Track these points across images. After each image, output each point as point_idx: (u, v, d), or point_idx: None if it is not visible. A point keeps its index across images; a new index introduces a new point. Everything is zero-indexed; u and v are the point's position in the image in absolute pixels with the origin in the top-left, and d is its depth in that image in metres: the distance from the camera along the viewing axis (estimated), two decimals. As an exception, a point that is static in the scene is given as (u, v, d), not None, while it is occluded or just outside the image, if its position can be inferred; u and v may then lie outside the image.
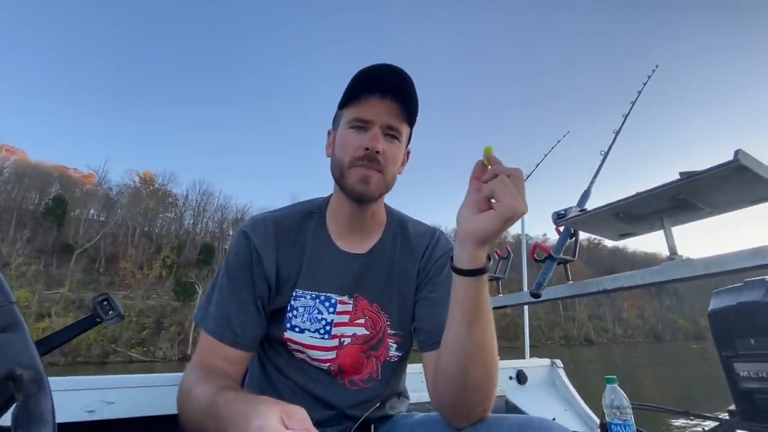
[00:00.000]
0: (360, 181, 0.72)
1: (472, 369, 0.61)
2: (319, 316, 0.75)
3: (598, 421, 1.59)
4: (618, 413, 1.10)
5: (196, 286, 38.44)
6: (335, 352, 0.75)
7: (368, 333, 0.76)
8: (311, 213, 0.82)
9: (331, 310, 0.75)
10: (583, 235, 1.57)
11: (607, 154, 1.78)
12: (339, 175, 0.75)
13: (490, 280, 1.94)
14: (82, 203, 46.85)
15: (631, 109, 1.86)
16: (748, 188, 1.00)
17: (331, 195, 0.84)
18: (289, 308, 0.75)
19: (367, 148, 0.71)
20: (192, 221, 54.12)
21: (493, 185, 0.55)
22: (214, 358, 0.67)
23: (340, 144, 0.75)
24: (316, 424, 0.69)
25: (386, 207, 0.87)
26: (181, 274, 41.64)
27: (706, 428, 1.27)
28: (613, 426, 1.08)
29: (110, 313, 0.80)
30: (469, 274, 0.59)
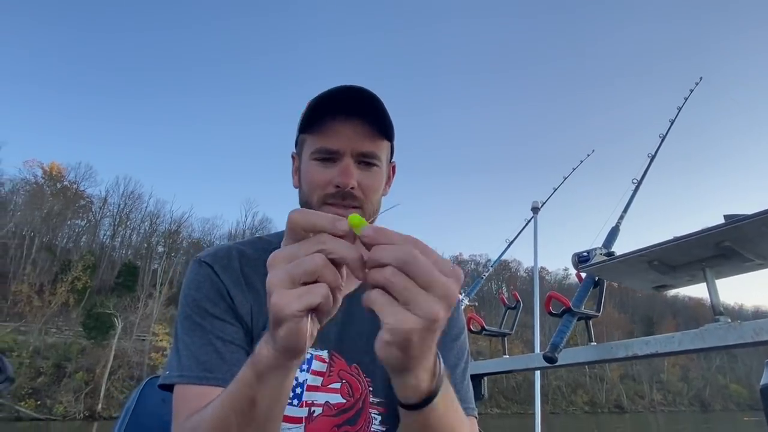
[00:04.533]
0: None
1: None
2: None
3: None
4: None
5: (115, 319, 37.27)
6: (302, 426, 0.73)
7: (344, 402, 0.76)
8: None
9: (305, 367, 0.75)
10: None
11: (640, 182, 1.86)
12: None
13: (493, 336, 1.97)
14: (-43, 202, 45.31)
15: (669, 128, 1.95)
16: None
17: None
18: None
19: (338, 186, 0.73)
20: (110, 232, 52.93)
21: (370, 297, 0.47)
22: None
23: (306, 179, 0.77)
24: None
25: None
26: (93, 302, 40.35)
27: None
28: None
29: (-3, 377, 0.78)
30: (407, 408, 0.55)
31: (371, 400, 0.78)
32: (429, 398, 0.54)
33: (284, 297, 0.46)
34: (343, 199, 0.74)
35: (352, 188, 0.73)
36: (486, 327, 1.89)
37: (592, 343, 1.48)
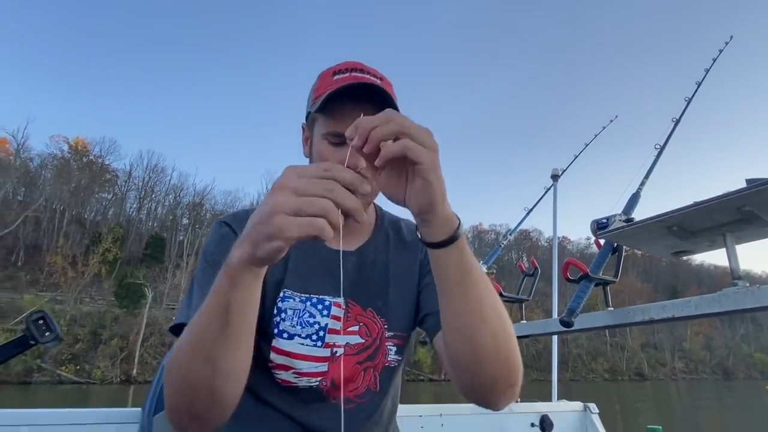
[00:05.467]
0: None
1: (480, 339, 0.67)
2: (311, 320, 0.81)
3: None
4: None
5: (145, 289, 38.61)
6: (327, 364, 0.80)
7: (363, 341, 0.83)
8: None
9: (325, 312, 0.82)
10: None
11: (663, 148, 1.83)
12: None
13: (511, 302, 2.00)
14: (-6, 177, 46.66)
15: (696, 91, 1.90)
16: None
17: None
18: (275, 311, 0.81)
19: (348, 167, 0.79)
20: (136, 205, 54.18)
21: (409, 149, 0.57)
22: None
23: (317, 157, 0.83)
24: None
25: (376, 207, 0.97)
26: (124, 272, 41.78)
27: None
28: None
29: (47, 334, 0.85)
30: (441, 245, 0.64)
31: (387, 335, 0.86)
32: (455, 236, 0.63)
33: (287, 222, 0.51)
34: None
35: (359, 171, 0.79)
36: (504, 293, 1.92)
37: (609, 309, 1.49)
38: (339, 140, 0.79)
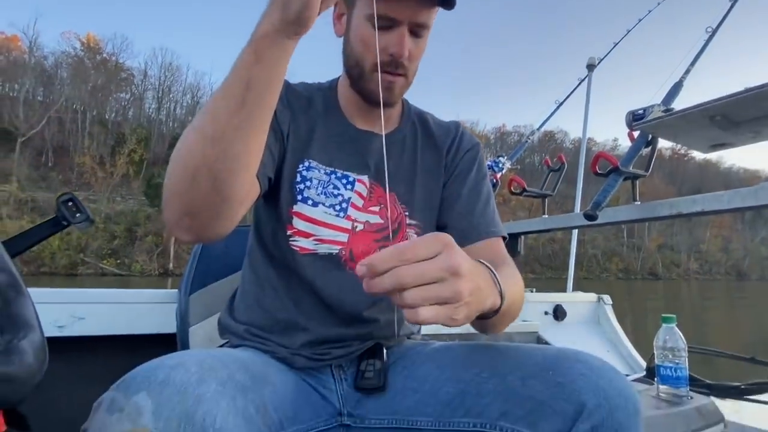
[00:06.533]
0: (384, 89, 0.77)
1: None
2: (336, 192, 0.82)
3: (644, 365, 1.74)
4: (671, 355, 1.20)
5: (172, 189, 39.70)
6: (348, 235, 0.82)
7: (382, 222, 0.84)
8: (319, 89, 0.89)
9: (349, 187, 0.83)
10: (663, 144, 1.55)
11: (715, 30, 1.65)
12: (357, 76, 0.81)
13: (534, 197, 1.97)
14: (11, 76, 46.44)
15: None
16: None
17: (338, 79, 0.90)
18: (299, 179, 0.81)
19: (392, 55, 0.75)
20: (156, 105, 53.91)
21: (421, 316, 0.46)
22: None
23: (358, 39, 0.78)
24: (324, 340, 0.79)
25: (402, 99, 0.93)
26: (151, 173, 42.93)
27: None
28: (662, 369, 1.20)
29: (78, 215, 0.87)
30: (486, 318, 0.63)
31: (407, 222, 0.87)
32: (502, 304, 0.61)
33: None
34: (396, 67, 0.77)
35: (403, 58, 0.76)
36: (527, 188, 1.90)
37: (636, 202, 1.46)
38: (387, 24, 0.74)
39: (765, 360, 1.51)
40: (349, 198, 0.83)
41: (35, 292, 1.18)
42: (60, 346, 1.16)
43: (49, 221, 0.85)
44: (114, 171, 42.56)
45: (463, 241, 0.87)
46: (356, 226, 0.83)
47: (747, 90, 1.10)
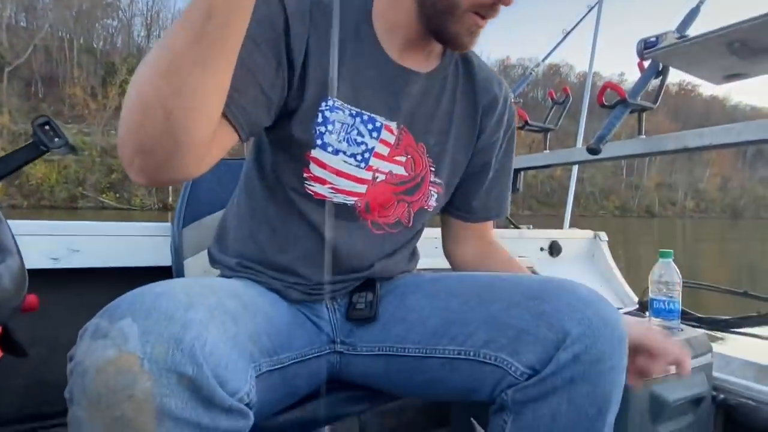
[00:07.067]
0: (469, 32, 0.70)
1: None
2: (359, 139, 0.74)
3: (636, 299, 1.77)
4: (665, 289, 1.21)
5: (167, 122, 39.09)
6: (366, 186, 0.75)
7: (406, 175, 0.78)
8: (351, 5, 0.75)
9: (375, 135, 0.75)
10: (670, 79, 1.47)
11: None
12: (442, 10, 0.69)
13: (536, 131, 1.92)
14: (-9, 1, 44.02)
15: None
16: None
17: None
18: (320, 119, 0.71)
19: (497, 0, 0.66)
20: (145, 33, 51.56)
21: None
22: None
23: None
24: (319, 283, 0.76)
25: None
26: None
27: (763, 311, 1.42)
28: (656, 302, 1.21)
29: (56, 140, 0.83)
30: None
31: (431, 179, 0.80)
32: None
33: None
34: (493, 13, 0.69)
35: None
36: (529, 122, 1.83)
37: (641, 136, 1.41)
38: None
39: (756, 294, 1.53)
40: (373, 148, 0.74)
41: (29, 224, 1.17)
42: (55, 276, 1.16)
43: (27, 146, 0.81)
44: (107, 103, 41.50)
45: (468, 216, 0.89)
46: (377, 177, 0.76)
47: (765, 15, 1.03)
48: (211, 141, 0.56)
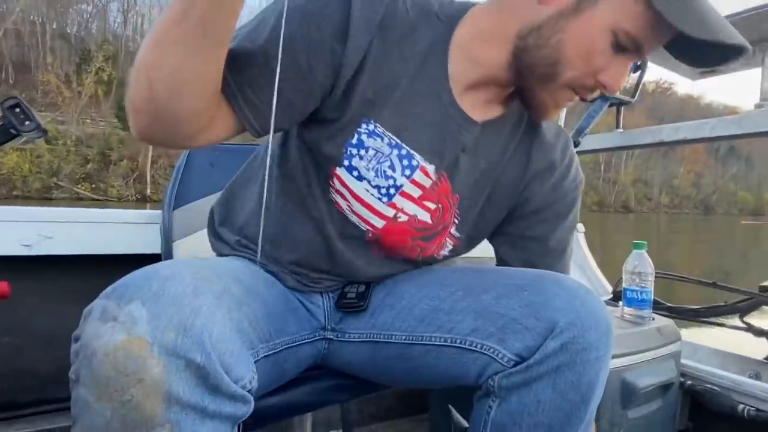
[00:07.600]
0: (556, 105, 0.68)
1: None
2: (389, 173, 0.68)
3: (610, 289, 1.81)
4: (638, 279, 1.24)
5: (144, 111, 38.20)
6: (385, 222, 0.71)
7: (430, 223, 0.74)
8: (437, 18, 0.67)
9: (407, 173, 0.69)
10: (647, 77, 1.50)
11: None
12: (540, 77, 0.64)
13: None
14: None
15: None
16: None
17: (467, 10, 0.69)
18: (354, 140, 0.66)
19: (601, 84, 0.63)
20: (121, 19, 50.23)
21: None
22: None
23: (583, 46, 0.61)
24: (317, 280, 0.76)
25: None
26: (122, 94, 40.79)
27: (730, 302, 1.46)
28: (629, 292, 1.24)
29: (27, 123, 0.80)
30: None
31: (451, 230, 0.76)
32: None
33: None
34: (589, 94, 0.65)
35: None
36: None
37: (619, 130, 1.44)
38: (632, 47, 0.60)
39: (725, 284, 1.58)
40: (401, 185, 0.69)
41: (1, 210, 1.14)
42: (28, 264, 1.13)
43: (-7, 128, 0.78)
44: (81, 91, 40.37)
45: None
46: (399, 216, 0.71)
47: (749, 10, 1.05)
48: (203, 119, 0.57)
